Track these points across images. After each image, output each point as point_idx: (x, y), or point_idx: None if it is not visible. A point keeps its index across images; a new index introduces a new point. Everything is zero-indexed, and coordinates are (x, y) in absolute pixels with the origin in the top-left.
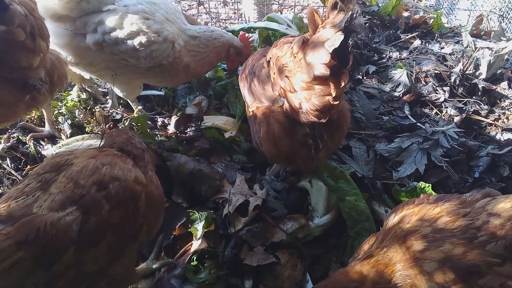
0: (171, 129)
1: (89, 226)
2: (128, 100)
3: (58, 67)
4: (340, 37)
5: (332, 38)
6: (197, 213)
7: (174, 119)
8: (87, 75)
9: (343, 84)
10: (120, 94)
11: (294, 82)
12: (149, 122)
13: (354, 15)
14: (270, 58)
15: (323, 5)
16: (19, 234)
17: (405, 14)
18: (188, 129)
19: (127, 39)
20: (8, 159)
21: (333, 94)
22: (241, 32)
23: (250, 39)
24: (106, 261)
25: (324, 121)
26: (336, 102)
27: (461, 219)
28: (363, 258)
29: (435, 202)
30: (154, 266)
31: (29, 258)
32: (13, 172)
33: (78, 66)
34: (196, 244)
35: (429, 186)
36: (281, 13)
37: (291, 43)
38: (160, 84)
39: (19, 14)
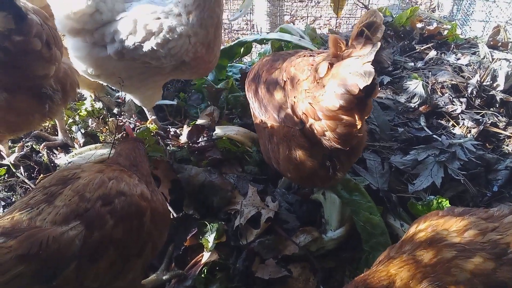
0: (183, 139)
1: (92, 241)
2: (145, 110)
3: (70, 76)
4: (372, 72)
5: (363, 71)
6: (208, 224)
7: (186, 129)
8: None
9: (367, 115)
10: (138, 102)
11: (317, 109)
12: (161, 132)
13: (382, 46)
14: (288, 78)
15: (336, 16)
16: (21, 247)
17: (419, 25)
18: (200, 139)
19: (143, 41)
20: (21, 167)
21: (358, 126)
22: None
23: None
24: (108, 277)
25: (347, 148)
26: (360, 134)
27: (490, 233)
28: (385, 261)
29: (461, 215)
30: (164, 278)
31: (30, 272)
32: (26, 180)
33: (99, 78)
34: (207, 256)
35: (446, 200)
36: (293, 24)
37: (312, 65)
38: (187, 78)
39: (36, 24)
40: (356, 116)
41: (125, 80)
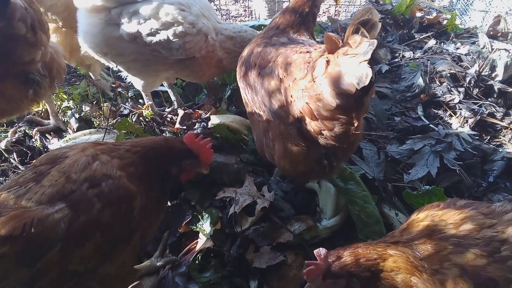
0: (177, 124)
1: (77, 224)
2: (143, 94)
3: (56, 60)
4: (369, 72)
5: (359, 72)
6: (203, 211)
7: (180, 114)
8: (113, 65)
9: (364, 114)
10: (139, 86)
11: (314, 108)
12: (157, 118)
13: (379, 43)
14: (284, 76)
15: (335, 4)
16: (5, 228)
17: (419, 14)
18: (196, 126)
19: (161, 29)
20: (14, 153)
21: (355, 124)
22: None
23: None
24: (94, 261)
25: (345, 146)
26: (358, 132)
27: (486, 230)
28: (381, 243)
29: (462, 208)
30: (158, 264)
31: (13, 254)
32: (19, 165)
33: (106, 56)
34: (201, 243)
35: (441, 190)
36: None
37: (309, 62)
38: (187, 78)
39: (20, 7)
40: (353, 115)
41: (130, 63)
